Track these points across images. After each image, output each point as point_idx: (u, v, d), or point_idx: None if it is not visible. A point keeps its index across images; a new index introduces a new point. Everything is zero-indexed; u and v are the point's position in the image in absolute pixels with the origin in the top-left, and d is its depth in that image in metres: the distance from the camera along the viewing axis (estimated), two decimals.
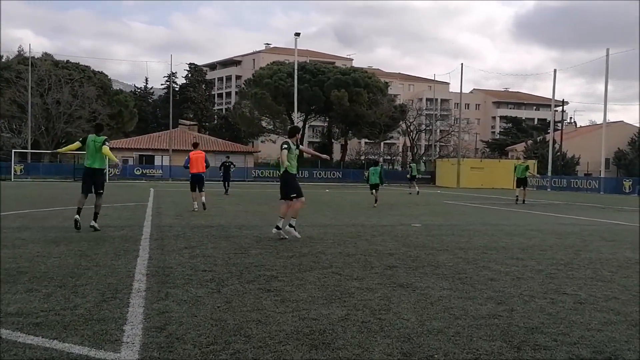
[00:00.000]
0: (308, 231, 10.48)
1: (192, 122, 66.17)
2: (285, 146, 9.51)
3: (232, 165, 25.92)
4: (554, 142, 52.37)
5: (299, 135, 10.03)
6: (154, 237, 9.03)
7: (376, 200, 18.29)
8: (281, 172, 9.84)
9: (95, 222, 9.86)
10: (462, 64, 50.81)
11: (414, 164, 34.47)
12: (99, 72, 59.47)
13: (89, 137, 10.19)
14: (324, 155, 13.72)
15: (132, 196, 21.96)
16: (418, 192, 29.07)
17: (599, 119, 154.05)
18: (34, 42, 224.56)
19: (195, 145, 16.05)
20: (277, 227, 9.47)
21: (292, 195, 9.63)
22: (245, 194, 25.19)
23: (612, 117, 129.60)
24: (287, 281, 5.92)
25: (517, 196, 22.65)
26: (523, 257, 7.96)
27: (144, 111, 78.64)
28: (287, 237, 9.31)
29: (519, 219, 14.53)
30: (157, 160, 48.45)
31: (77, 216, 9.79)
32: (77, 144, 10.38)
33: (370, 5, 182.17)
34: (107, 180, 39.34)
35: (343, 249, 8.36)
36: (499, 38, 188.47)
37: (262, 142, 65.92)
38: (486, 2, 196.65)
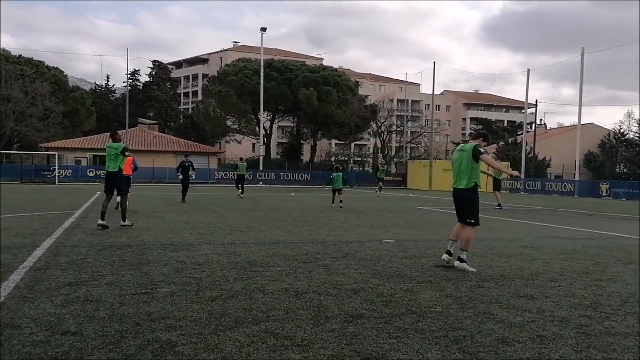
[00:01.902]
0: (252, 252, 8.31)
1: (152, 121, 63.08)
2: (482, 150, 7.39)
3: (191, 167, 20.86)
4: (526, 143, 51.16)
5: (485, 142, 7.70)
6: (38, 266, 6.72)
7: (341, 201, 19.28)
8: (466, 186, 7.50)
9: (124, 221, 11.25)
10: (434, 62, 49.22)
11: (382, 166, 34.27)
12: (53, 67, 56.07)
13: (107, 144, 11.41)
14: (514, 172, 11.35)
15: (66, 202, 19.40)
16: (379, 196, 28.66)
17: (565, 121, 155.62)
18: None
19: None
20: (448, 253, 7.62)
21: (468, 221, 7.58)
22: (200, 198, 22.80)
23: (571, 121, 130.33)
24: (188, 352, 3.75)
25: (500, 204, 20.87)
26: (533, 293, 5.94)
27: (104, 110, 75.21)
28: (456, 267, 7.36)
29: (506, 231, 12.59)
30: None
31: (102, 221, 10.76)
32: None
33: (340, 6, 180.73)
34: (55, 183, 36.87)
35: (292, 282, 6.21)
36: (467, 41, 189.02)
37: (226, 142, 63.31)
38: (453, 6, 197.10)
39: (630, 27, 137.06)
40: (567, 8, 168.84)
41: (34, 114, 47.66)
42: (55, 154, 38.89)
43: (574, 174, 48.61)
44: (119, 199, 12.89)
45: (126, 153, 11.31)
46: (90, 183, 39.81)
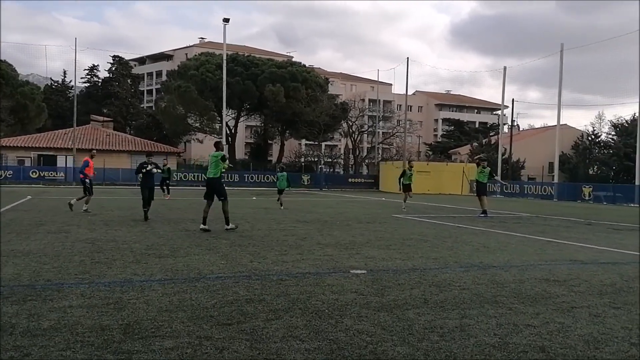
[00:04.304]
0: (147, 301, 5.36)
1: (106, 118, 59.12)
2: None
3: (155, 169, 14.86)
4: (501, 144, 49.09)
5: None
6: None
7: (282, 204, 19.50)
8: None
9: (228, 225, 11.77)
10: (407, 58, 46.72)
11: (409, 170, 22.24)
12: (0, 60, 51.73)
13: (210, 154, 12.15)
14: None
15: None
16: (404, 208, 20.74)
17: (535, 123, 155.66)
18: None
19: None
20: None
21: None
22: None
23: (540, 123, 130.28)
24: None
25: (485, 209, 18.30)
26: None
27: (61, 107, 70.84)
28: None
29: (507, 252, 9.87)
30: (61, 162, 41.58)
31: (203, 226, 11.42)
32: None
33: (311, 6, 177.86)
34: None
35: None
36: (437, 44, 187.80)
37: (187, 142, 59.71)
38: (422, 9, 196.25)
39: (597, 31, 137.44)
40: (535, 12, 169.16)
41: None
42: None
43: (553, 176, 46.81)
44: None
45: (226, 162, 12.15)
46: (32, 185, 36.06)
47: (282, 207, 19.27)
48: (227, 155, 12.93)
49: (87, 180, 16.85)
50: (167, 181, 25.22)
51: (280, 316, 5.01)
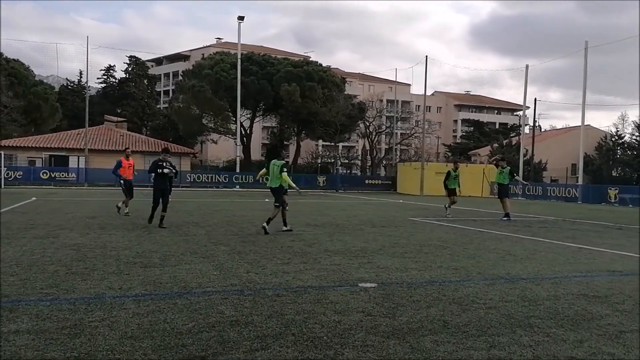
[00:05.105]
0: (106, 329, 4.50)
1: (120, 119, 58.72)
2: None
3: (171, 172, 12.89)
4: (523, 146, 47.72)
5: None
6: None
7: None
8: None
9: (286, 226, 11.94)
10: (426, 56, 45.55)
11: (454, 171, 19.36)
12: (13, 59, 51.62)
13: (271, 161, 12.16)
14: None
15: None
16: (449, 214, 18.34)
17: (557, 124, 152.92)
18: None
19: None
20: None
21: None
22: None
23: (562, 124, 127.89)
24: None
25: (507, 212, 17.26)
26: None
27: (77, 107, 70.75)
28: None
29: (536, 260, 8.86)
30: (73, 162, 41.14)
31: (265, 224, 11.49)
32: (264, 170, 12.68)
33: (329, 7, 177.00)
34: (2, 186, 32.20)
35: None
36: (455, 45, 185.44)
37: (202, 143, 59.07)
38: (441, 9, 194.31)
39: (616, 32, 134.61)
40: (555, 12, 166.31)
41: None
42: (1, 153, 34.63)
43: (576, 178, 45.31)
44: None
45: (284, 169, 11.98)
46: (43, 186, 35.64)
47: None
48: (289, 162, 13.24)
49: (122, 182, 15.94)
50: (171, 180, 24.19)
51: (267, 345, 4.12)
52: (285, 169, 11.98)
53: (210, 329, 4.48)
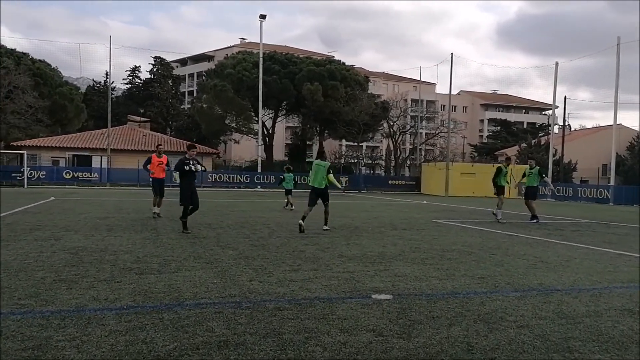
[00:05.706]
0: (83, 344, 3.90)
1: (143, 119, 58.80)
2: None
3: (198, 166, 11.81)
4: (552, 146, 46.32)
5: None
6: None
7: (292, 205, 19.06)
8: None
9: (326, 225, 12.23)
10: (452, 53, 44.50)
11: (505, 167, 17.20)
12: (39, 60, 51.99)
13: (314, 161, 12.63)
14: None
15: None
16: (499, 218, 16.49)
17: (587, 124, 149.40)
18: (9, 40, 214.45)
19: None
20: None
21: None
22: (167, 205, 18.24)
23: (591, 124, 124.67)
24: None
25: (535, 214, 16.36)
26: None
27: (102, 108, 71.23)
28: None
29: (571, 268, 8.06)
30: (96, 162, 41.13)
31: (300, 221, 11.64)
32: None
33: (354, 7, 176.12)
34: (24, 186, 32.28)
35: None
36: (482, 44, 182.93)
37: (224, 142, 58.77)
38: (467, 9, 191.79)
39: None
40: (584, 11, 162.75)
41: (15, 109, 43.44)
42: (24, 153, 34.71)
43: (608, 178, 43.80)
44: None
45: (330, 171, 12.18)
46: (66, 186, 35.63)
47: (292, 208, 18.79)
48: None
49: (150, 179, 15.32)
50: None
51: None
52: (331, 171, 12.28)
53: (194, 351, 3.86)
